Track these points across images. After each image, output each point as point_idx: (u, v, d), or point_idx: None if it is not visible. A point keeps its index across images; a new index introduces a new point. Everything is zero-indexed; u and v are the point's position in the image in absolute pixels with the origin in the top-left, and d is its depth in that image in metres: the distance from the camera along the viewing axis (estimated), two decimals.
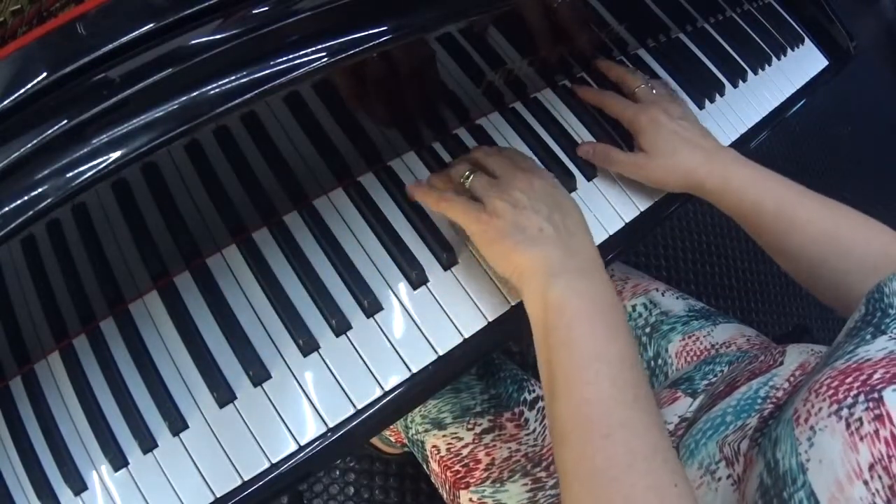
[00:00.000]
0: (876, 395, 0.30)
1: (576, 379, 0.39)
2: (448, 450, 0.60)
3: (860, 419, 0.30)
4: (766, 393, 0.46)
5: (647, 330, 0.64)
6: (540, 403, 0.62)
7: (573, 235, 0.45)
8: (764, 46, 0.75)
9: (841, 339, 0.38)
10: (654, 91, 0.58)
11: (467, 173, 0.48)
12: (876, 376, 0.31)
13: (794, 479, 0.32)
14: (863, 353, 0.33)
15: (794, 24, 0.80)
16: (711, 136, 0.55)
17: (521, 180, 0.47)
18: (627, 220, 0.56)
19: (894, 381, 0.30)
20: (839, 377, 0.32)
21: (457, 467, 0.59)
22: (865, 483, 0.29)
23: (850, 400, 0.31)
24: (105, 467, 0.42)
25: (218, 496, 0.41)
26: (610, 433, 0.37)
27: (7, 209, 0.32)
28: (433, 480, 0.64)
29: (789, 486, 0.32)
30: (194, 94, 0.34)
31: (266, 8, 0.35)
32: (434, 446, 0.61)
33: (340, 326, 0.46)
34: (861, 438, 0.29)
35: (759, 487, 0.35)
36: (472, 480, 0.59)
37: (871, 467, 0.29)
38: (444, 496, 0.63)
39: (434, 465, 0.62)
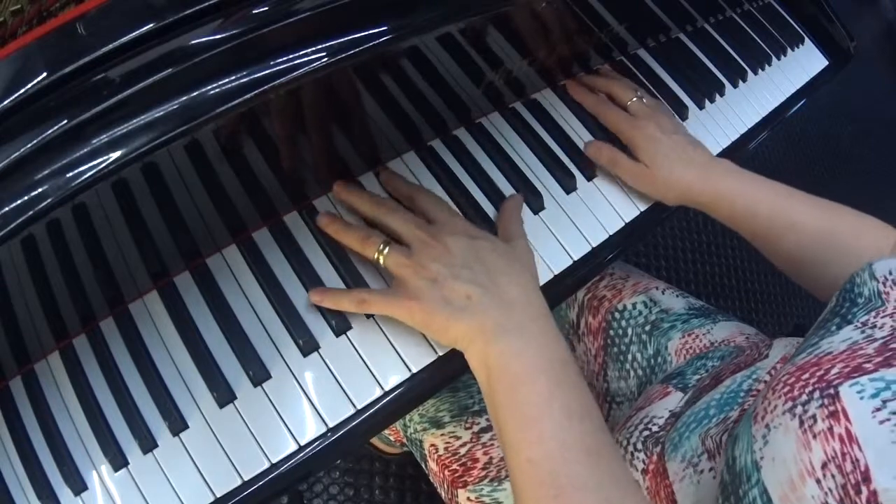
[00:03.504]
0: (832, 390, 0.29)
1: (521, 440, 0.39)
2: (446, 449, 0.60)
3: (814, 416, 0.29)
4: (749, 386, 0.46)
5: (647, 328, 0.64)
6: None
7: (505, 289, 0.43)
8: (764, 46, 0.75)
9: (810, 332, 0.37)
10: (645, 101, 0.59)
11: (381, 246, 0.45)
12: (833, 371, 0.30)
13: (748, 476, 0.32)
14: (825, 345, 0.33)
15: (794, 24, 0.80)
16: (703, 147, 0.57)
17: (435, 246, 0.44)
18: (627, 220, 0.56)
19: (853, 376, 0.29)
20: (796, 373, 0.32)
21: (455, 466, 0.59)
22: (818, 482, 0.28)
23: (804, 397, 0.30)
24: (105, 467, 0.42)
25: (218, 496, 0.41)
26: (559, 493, 0.36)
27: (7, 209, 0.32)
28: (431, 479, 0.64)
29: (744, 483, 0.32)
30: (194, 94, 0.34)
31: (266, 8, 0.35)
32: (432, 445, 0.61)
33: (340, 326, 0.46)
34: (814, 436, 0.29)
35: (720, 484, 0.35)
36: (469, 479, 0.59)
37: (824, 465, 0.28)
38: (443, 495, 0.63)
39: (432, 464, 0.62)
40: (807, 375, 0.31)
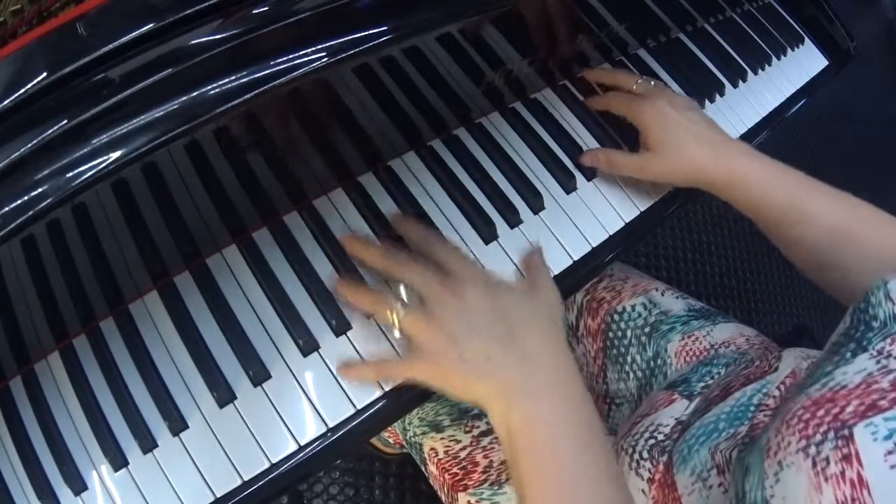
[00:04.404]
0: (846, 431, 0.29)
1: (548, 501, 0.38)
2: (446, 452, 0.60)
3: (827, 458, 0.29)
4: (759, 401, 0.46)
5: (647, 330, 0.64)
6: None
7: (527, 347, 0.41)
8: (764, 46, 0.75)
9: (823, 354, 0.36)
10: (653, 84, 0.58)
11: (396, 307, 0.42)
12: (849, 409, 0.30)
13: None
14: (839, 376, 0.32)
15: (793, 24, 0.80)
16: (718, 127, 0.54)
17: (452, 301, 0.41)
18: (627, 220, 0.56)
19: (867, 415, 0.29)
20: (811, 408, 0.31)
21: (455, 470, 0.59)
22: None
23: (818, 437, 0.30)
24: (105, 467, 0.42)
25: (218, 496, 0.41)
26: None
27: (7, 209, 0.32)
28: (431, 483, 0.64)
29: None
30: (194, 94, 0.34)
31: (266, 8, 0.35)
32: (432, 449, 0.61)
33: (341, 326, 0.46)
34: (826, 479, 0.28)
35: None
36: (470, 483, 0.59)
37: None
38: (443, 499, 0.62)
39: (432, 468, 0.61)
40: (822, 412, 0.31)
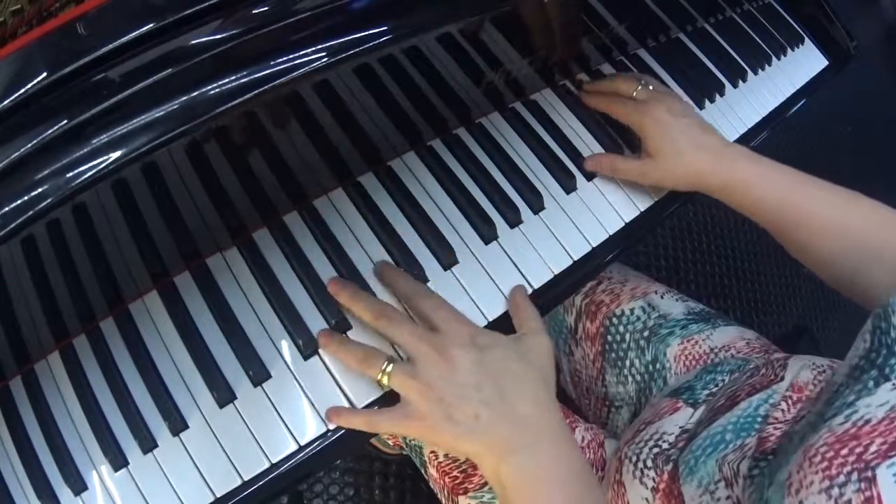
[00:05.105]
0: (869, 473, 0.29)
1: None
2: (446, 455, 0.60)
3: (849, 501, 0.29)
4: (766, 412, 0.46)
5: (646, 334, 0.64)
6: None
7: (516, 405, 0.41)
8: (764, 46, 0.75)
9: (842, 378, 0.36)
10: (651, 88, 0.58)
11: (384, 366, 0.42)
12: (872, 449, 0.30)
13: None
14: (863, 409, 0.32)
15: (794, 24, 0.80)
16: (715, 131, 0.55)
17: (440, 362, 0.41)
18: (627, 220, 0.56)
19: (890, 455, 0.29)
20: (835, 446, 0.31)
21: (455, 473, 0.59)
22: None
23: (842, 478, 0.30)
24: (105, 467, 0.42)
25: (218, 496, 0.41)
26: None
27: (7, 209, 0.32)
28: (432, 486, 0.64)
29: None
30: (194, 94, 0.34)
31: (266, 8, 0.35)
32: (432, 452, 0.60)
33: (341, 326, 0.46)
34: None
35: None
36: (470, 486, 0.58)
37: None
38: (443, 502, 0.62)
39: (432, 471, 0.61)
40: (845, 451, 0.31)
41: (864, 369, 0.35)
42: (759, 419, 0.45)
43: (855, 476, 0.29)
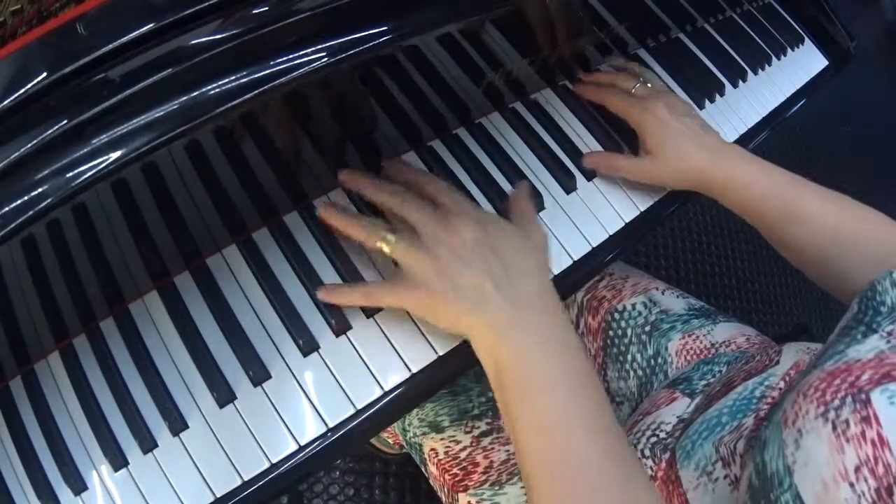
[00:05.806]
0: (863, 396, 0.30)
1: (539, 451, 0.38)
2: (446, 453, 0.60)
3: (847, 421, 0.30)
4: (762, 393, 0.46)
5: (647, 329, 0.64)
6: None
7: (518, 281, 0.41)
8: (764, 46, 0.75)
9: (833, 338, 0.37)
10: (650, 85, 0.58)
11: (387, 234, 0.42)
12: (864, 377, 0.31)
13: (780, 481, 0.32)
14: (853, 353, 0.33)
15: (794, 24, 0.80)
16: (714, 131, 0.55)
17: (445, 232, 0.42)
18: (627, 220, 0.56)
19: (882, 382, 0.30)
20: (827, 378, 0.32)
21: (455, 470, 0.59)
22: (851, 485, 0.28)
23: (836, 402, 0.31)
24: (105, 467, 0.42)
25: (218, 496, 0.41)
26: (582, 496, 0.36)
27: (7, 209, 0.32)
28: (432, 483, 0.64)
29: (776, 488, 0.32)
30: (194, 94, 0.34)
31: (266, 8, 0.35)
32: (432, 449, 0.61)
33: (340, 326, 0.46)
34: (847, 440, 0.29)
35: (749, 489, 0.35)
36: (470, 483, 0.59)
37: (857, 469, 0.28)
38: (443, 499, 0.62)
39: (432, 468, 0.61)
40: (838, 381, 0.31)
41: (852, 327, 0.36)
42: (754, 400, 0.46)
43: (849, 399, 0.30)
